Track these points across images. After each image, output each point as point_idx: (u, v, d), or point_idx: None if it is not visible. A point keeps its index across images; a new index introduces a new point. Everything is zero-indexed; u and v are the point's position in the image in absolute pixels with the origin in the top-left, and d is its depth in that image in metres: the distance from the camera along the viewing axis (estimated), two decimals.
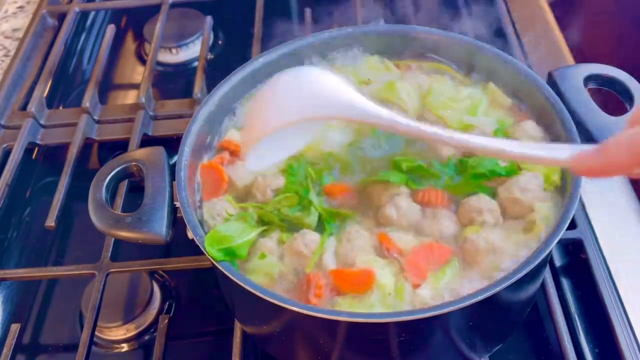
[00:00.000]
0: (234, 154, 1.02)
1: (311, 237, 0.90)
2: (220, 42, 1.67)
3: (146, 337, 1.13)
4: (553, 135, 0.98)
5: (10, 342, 1.08)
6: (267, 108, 0.83)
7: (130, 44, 1.73)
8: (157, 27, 1.53)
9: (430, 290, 0.85)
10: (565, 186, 0.94)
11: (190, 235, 0.89)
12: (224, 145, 1.03)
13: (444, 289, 0.85)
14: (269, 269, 0.89)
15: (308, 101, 0.81)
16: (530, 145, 0.83)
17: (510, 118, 1.03)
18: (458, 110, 1.03)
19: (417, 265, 0.87)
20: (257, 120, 0.84)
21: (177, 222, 0.93)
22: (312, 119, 0.82)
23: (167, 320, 1.08)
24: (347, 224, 0.92)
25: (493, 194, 0.93)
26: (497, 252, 0.87)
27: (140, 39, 1.70)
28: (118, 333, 1.13)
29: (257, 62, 1.09)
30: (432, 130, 0.83)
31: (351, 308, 0.84)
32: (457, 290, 0.85)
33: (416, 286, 0.86)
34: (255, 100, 0.88)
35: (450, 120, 1.02)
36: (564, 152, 0.73)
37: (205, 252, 0.86)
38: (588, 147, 0.70)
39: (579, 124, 0.95)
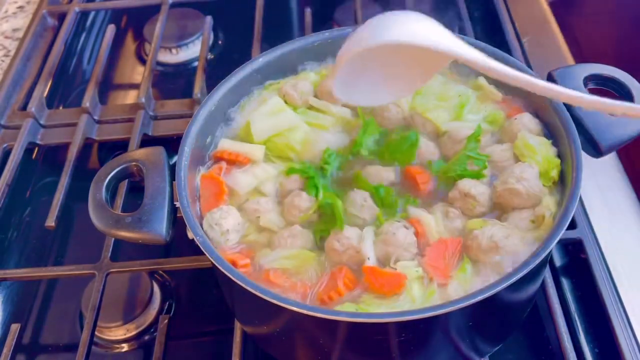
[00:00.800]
0: (231, 162, 1.01)
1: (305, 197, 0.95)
2: (220, 42, 1.68)
3: (146, 337, 1.13)
4: (550, 129, 0.99)
5: (10, 342, 1.08)
6: (352, 37, 0.85)
7: (130, 44, 1.73)
8: (157, 27, 1.53)
9: (457, 287, 0.86)
10: (564, 183, 0.94)
11: (190, 235, 0.89)
12: (218, 156, 1.02)
13: (471, 284, 0.86)
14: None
15: (391, 30, 0.82)
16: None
17: (502, 112, 1.04)
18: (446, 110, 1.04)
19: (438, 266, 0.87)
20: (344, 47, 0.85)
21: (177, 222, 0.93)
22: (393, 44, 0.81)
23: (167, 320, 1.08)
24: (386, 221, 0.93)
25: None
26: (501, 251, 0.86)
27: (140, 39, 1.70)
28: (118, 333, 1.13)
29: (257, 62, 1.09)
30: (543, 84, 0.79)
31: (376, 307, 0.84)
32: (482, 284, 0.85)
33: (443, 285, 0.86)
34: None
35: (439, 122, 1.03)
36: None
37: (205, 253, 0.86)
38: None
39: (579, 124, 0.95)
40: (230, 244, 0.93)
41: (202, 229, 0.93)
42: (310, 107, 1.08)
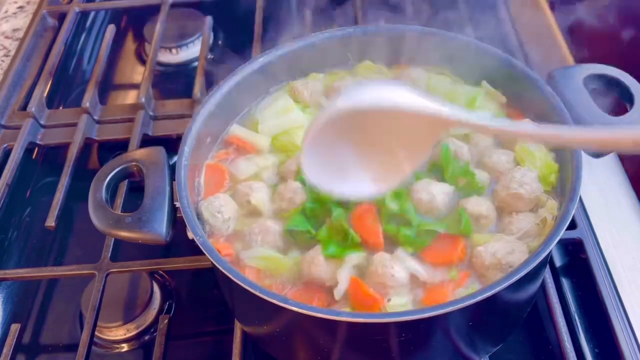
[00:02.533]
0: (240, 149, 1.06)
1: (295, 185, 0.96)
2: (220, 42, 1.67)
3: (146, 337, 1.13)
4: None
5: (10, 342, 1.08)
6: (324, 109, 0.80)
7: (130, 44, 1.73)
8: (157, 27, 1.53)
9: None
10: (562, 186, 0.94)
11: (190, 235, 0.89)
12: (230, 140, 1.07)
13: None
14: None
15: (362, 95, 0.77)
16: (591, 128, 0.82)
17: (503, 112, 1.04)
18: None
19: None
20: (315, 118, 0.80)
21: (177, 222, 0.93)
22: (363, 110, 0.77)
23: (167, 320, 1.08)
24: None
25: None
26: (505, 267, 0.86)
27: (140, 39, 1.70)
28: (118, 333, 1.13)
29: (257, 62, 1.09)
30: (536, 130, 0.80)
31: None
32: None
33: None
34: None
35: None
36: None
37: (205, 253, 0.86)
38: None
39: (579, 124, 0.95)
40: (230, 231, 0.96)
41: (202, 215, 0.95)
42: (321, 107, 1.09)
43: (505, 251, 0.87)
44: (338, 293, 0.87)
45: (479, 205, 0.93)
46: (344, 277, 0.88)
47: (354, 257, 0.90)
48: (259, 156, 1.05)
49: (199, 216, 0.96)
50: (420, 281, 0.89)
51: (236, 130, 1.08)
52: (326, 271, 0.89)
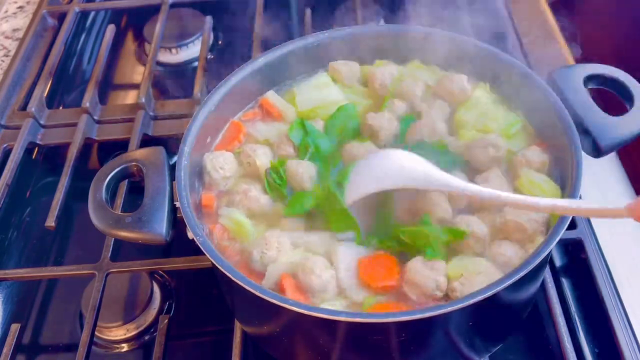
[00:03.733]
0: (268, 113, 1.10)
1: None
2: (220, 42, 1.67)
3: (146, 337, 1.13)
4: (550, 130, 0.98)
5: (10, 342, 1.08)
6: (364, 178, 0.94)
7: (130, 44, 1.73)
8: (157, 27, 1.53)
9: None
10: (562, 186, 0.94)
11: (190, 235, 0.89)
12: (262, 103, 1.11)
13: None
14: None
15: (396, 173, 0.92)
16: (582, 202, 0.83)
17: (532, 142, 1.02)
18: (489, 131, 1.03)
19: None
20: (358, 184, 0.94)
21: (177, 222, 0.93)
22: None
23: (167, 320, 1.08)
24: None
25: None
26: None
27: (140, 39, 1.70)
28: (118, 333, 1.13)
29: (257, 62, 1.09)
30: (495, 194, 0.86)
31: None
32: None
33: None
34: (355, 171, 0.96)
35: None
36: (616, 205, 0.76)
37: (205, 253, 0.86)
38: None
39: (579, 124, 0.95)
40: (226, 188, 1.01)
41: (205, 167, 1.00)
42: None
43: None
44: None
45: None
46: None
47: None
48: (281, 124, 1.08)
49: (202, 168, 1.00)
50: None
51: (270, 95, 1.11)
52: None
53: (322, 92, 1.10)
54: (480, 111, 1.05)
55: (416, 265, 0.87)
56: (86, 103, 1.37)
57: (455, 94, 1.07)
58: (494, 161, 0.98)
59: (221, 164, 1.00)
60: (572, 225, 1.13)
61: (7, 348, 1.07)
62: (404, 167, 0.91)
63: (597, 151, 0.96)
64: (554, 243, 0.83)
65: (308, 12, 1.52)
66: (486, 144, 0.98)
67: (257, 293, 0.81)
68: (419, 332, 0.86)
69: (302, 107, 1.09)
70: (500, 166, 0.98)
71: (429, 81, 1.11)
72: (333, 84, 1.12)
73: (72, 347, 1.08)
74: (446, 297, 0.87)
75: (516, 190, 0.96)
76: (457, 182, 0.89)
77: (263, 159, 1.02)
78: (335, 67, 1.13)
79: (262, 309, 0.88)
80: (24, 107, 1.43)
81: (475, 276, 0.86)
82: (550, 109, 0.97)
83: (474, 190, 0.88)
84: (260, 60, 1.09)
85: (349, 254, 0.92)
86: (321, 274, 0.88)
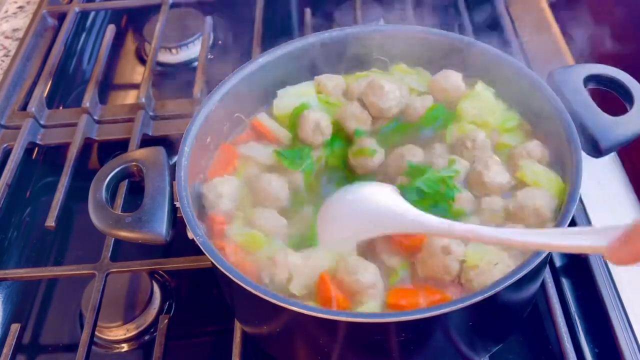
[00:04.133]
0: (260, 135, 1.07)
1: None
2: (220, 42, 1.67)
3: (146, 337, 1.13)
4: (553, 146, 0.98)
5: (10, 342, 1.08)
6: (340, 224, 0.93)
7: (130, 44, 1.73)
8: (157, 27, 1.53)
9: None
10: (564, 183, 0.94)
11: (190, 235, 0.89)
12: (254, 124, 1.09)
13: None
14: None
15: (373, 218, 0.90)
16: (555, 233, 0.81)
17: (528, 139, 1.02)
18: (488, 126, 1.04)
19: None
20: (332, 231, 0.93)
21: (177, 222, 0.93)
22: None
23: (167, 320, 1.08)
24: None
25: None
26: None
27: (140, 39, 1.70)
28: (118, 333, 1.13)
29: (257, 62, 1.09)
30: (490, 233, 0.83)
31: None
32: None
33: None
34: (324, 214, 0.95)
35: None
36: (598, 240, 0.72)
37: (205, 253, 0.86)
38: (615, 234, 0.69)
39: (579, 124, 0.95)
40: (224, 208, 0.96)
41: (205, 197, 0.98)
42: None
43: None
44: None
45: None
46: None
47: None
48: (278, 147, 1.07)
49: (200, 196, 0.98)
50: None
51: (263, 118, 1.09)
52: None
53: (299, 99, 1.08)
54: (482, 104, 1.05)
55: (431, 247, 0.88)
56: (86, 103, 1.37)
57: (449, 91, 1.06)
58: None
59: (222, 191, 0.97)
60: (572, 225, 1.13)
61: (7, 348, 1.07)
62: (380, 211, 0.89)
63: (597, 151, 0.96)
64: None
65: (308, 12, 1.52)
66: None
67: (257, 293, 0.81)
68: (419, 332, 0.86)
69: (278, 111, 1.09)
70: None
71: (414, 84, 1.10)
72: (314, 93, 1.10)
73: (72, 347, 1.08)
74: (459, 284, 0.88)
75: (518, 181, 0.96)
76: (438, 222, 0.85)
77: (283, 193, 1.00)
78: (321, 82, 1.11)
79: (262, 309, 0.88)
80: (24, 107, 1.43)
81: (493, 267, 0.85)
82: (550, 109, 0.97)
83: (462, 231, 0.84)
84: (261, 60, 1.09)
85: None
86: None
